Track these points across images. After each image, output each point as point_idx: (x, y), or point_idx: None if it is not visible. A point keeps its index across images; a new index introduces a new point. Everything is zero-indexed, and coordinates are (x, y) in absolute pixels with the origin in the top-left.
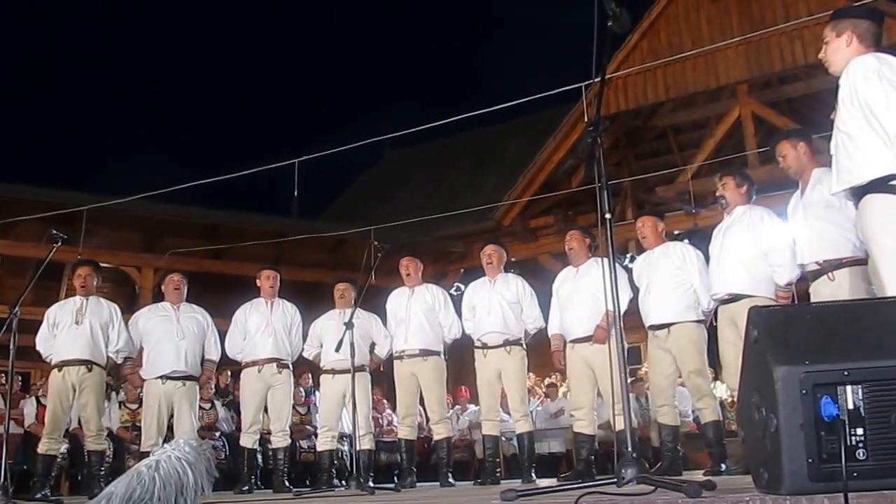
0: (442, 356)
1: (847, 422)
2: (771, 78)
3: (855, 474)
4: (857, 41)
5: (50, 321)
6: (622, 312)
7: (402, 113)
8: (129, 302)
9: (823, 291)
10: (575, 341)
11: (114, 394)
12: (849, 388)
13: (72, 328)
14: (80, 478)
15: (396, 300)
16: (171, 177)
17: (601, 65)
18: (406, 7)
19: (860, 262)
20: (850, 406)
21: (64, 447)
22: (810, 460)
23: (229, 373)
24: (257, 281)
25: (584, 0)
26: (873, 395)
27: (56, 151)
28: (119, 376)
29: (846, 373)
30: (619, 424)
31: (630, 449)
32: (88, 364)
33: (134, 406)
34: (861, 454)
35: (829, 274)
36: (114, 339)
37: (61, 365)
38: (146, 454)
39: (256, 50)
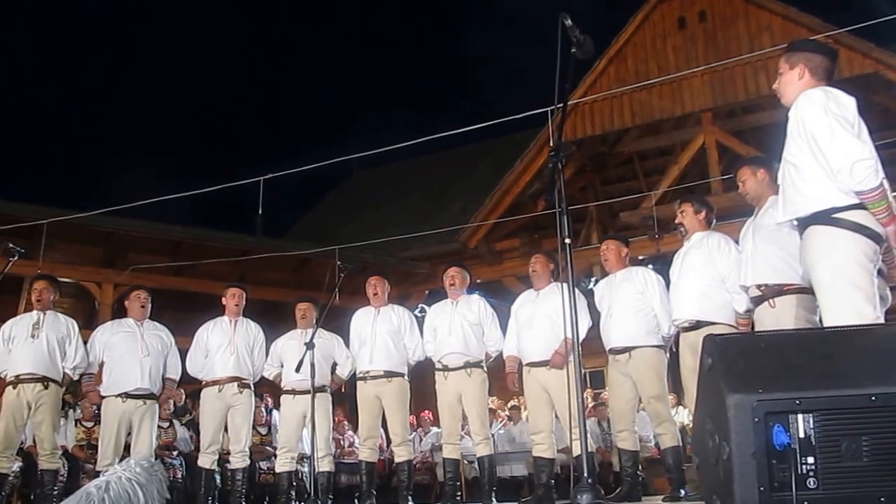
0: (406, 378)
1: (798, 450)
2: (735, 107)
3: (805, 503)
4: (809, 75)
5: (4, 336)
6: (581, 339)
7: (370, 132)
8: (87, 318)
9: (765, 318)
10: (531, 365)
11: (70, 411)
12: (800, 416)
13: (27, 342)
14: (32, 497)
15: (361, 320)
16: (135, 192)
17: (564, 91)
18: (375, 27)
19: (803, 290)
20: (802, 434)
21: (17, 465)
22: (762, 488)
23: (183, 391)
24: (223, 298)
25: (552, 25)
26: (824, 424)
27: (15, 163)
28: (78, 393)
29: (798, 401)
30: (577, 449)
31: (586, 475)
32: (45, 381)
33: (90, 424)
34: (812, 483)
35: (770, 301)
36: (70, 355)
37: (16, 382)
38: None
39: (223, 66)
